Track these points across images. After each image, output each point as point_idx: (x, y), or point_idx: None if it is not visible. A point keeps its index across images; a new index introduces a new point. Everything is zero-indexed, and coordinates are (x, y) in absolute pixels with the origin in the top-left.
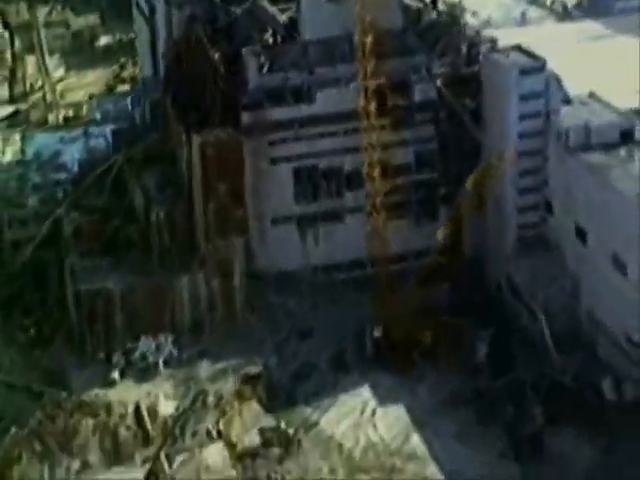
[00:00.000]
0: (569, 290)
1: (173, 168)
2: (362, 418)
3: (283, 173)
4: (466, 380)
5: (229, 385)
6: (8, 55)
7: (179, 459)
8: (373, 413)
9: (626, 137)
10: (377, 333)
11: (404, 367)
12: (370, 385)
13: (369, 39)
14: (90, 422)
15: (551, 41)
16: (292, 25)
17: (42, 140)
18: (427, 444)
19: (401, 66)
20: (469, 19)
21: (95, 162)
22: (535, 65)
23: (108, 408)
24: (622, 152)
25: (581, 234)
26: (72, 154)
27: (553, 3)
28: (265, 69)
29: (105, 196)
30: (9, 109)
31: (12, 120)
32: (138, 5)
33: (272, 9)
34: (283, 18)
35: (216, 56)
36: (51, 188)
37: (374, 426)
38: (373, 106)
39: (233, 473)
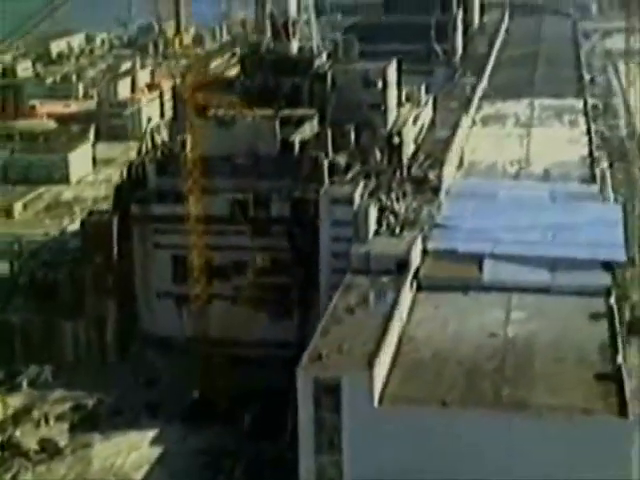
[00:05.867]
0: None
1: None
2: (125, 449)
3: (164, 257)
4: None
5: (60, 409)
6: None
7: None
8: (137, 448)
9: (401, 267)
10: (195, 395)
11: (200, 423)
12: (161, 429)
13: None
14: None
15: None
16: None
17: None
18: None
19: (267, 185)
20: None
21: None
22: (345, 197)
23: None
24: (383, 279)
25: None
26: None
27: None
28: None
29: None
30: None
31: None
32: None
33: None
34: None
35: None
36: None
37: (127, 456)
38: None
39: None
